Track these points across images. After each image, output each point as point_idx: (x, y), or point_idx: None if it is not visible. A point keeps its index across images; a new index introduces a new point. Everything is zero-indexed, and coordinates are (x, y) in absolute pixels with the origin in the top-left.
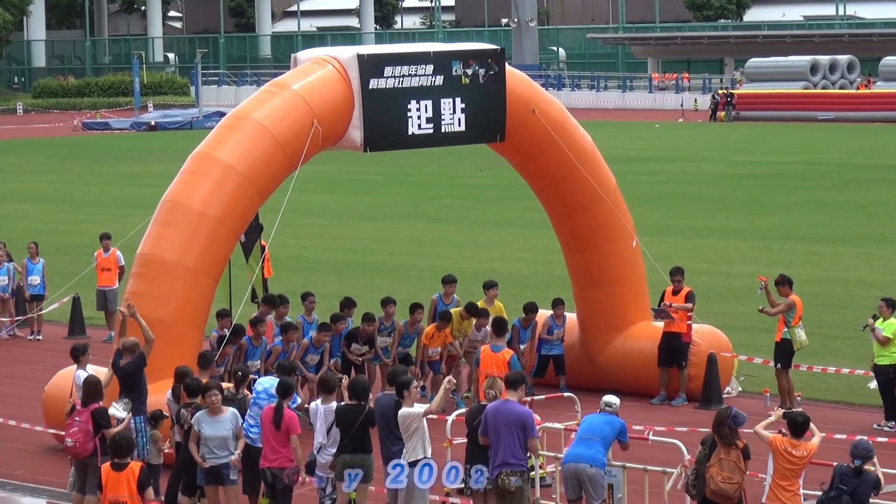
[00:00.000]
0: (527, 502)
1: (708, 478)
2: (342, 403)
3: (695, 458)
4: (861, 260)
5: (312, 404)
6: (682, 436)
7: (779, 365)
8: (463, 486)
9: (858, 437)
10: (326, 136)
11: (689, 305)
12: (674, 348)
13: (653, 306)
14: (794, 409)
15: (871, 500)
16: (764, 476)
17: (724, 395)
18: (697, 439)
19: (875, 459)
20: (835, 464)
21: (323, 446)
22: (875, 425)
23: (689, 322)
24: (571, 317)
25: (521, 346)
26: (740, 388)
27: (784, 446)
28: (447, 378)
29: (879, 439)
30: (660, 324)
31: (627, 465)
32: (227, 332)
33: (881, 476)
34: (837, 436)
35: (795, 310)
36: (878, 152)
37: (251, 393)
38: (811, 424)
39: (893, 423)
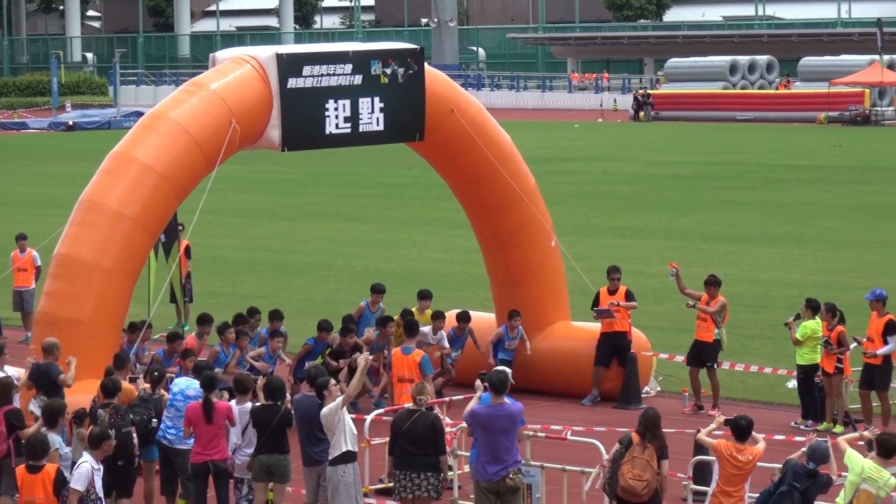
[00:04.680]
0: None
1: (619, 475)
2: (258, 404)
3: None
4: (779, 260)
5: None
6: (600, 435)
7: (710, 364)
8: (394, 492)
9: (817, 440)
10: (245, 136)
11: (635, 304)
12: (618, 347)
13: (594, 307)
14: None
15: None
16: (682, 476)
17: (643, 395)
18: (616, 439)
19: (832, 459)
20: (789, 458)
21: (238, 447)
22: (792, 423)
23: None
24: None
25: (454, 354)
26: (659, 388)
27: (730, 451)
28: (363, 356)
29: (797, 438)
30: (596, 324)
31: (546, 465)
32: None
33: (835, 477)
34: (758, 434)
35: (725, 310)
36: (793, 152)
37: (168, 393)
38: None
39: (811, 421)
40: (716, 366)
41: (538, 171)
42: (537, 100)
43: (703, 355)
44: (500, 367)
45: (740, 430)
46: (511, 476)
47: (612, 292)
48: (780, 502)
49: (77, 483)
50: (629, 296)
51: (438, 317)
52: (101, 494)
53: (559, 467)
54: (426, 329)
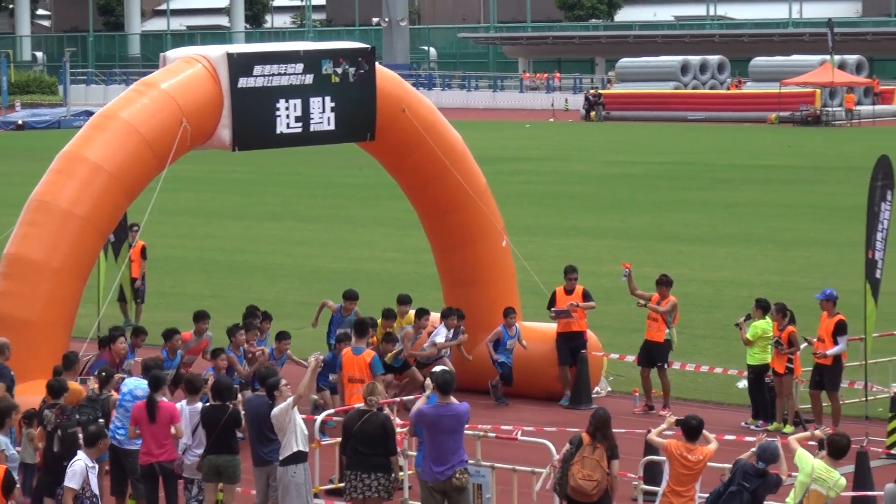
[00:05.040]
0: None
1: (569, 475)
2: (207, 404)
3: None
4: (729, 259)
5: (178, 405)
6: (551, 435)
7: (660, 364)
8: (345, 493)
9: (767, 440)
10: (195, 136)
11: (593, 304)
12: (576, 348)
13: (550, 307)
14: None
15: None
16: (633, 476)
17: (593, 395)
18: (566, 439)
19: (782, 459)
20: (739, 458)
21: (188, 447)
22: (742, 423)
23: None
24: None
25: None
26: (609, 388)
27: (680, 451)
28: (313, 355)
29: (747, 438)
30: (547, 324)
31: (496, 465)
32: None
33: (784, 476)
34: (710, 434)
35: (676, 310)
36: (744, 153)
37: (118, 394)
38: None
39: (761, 421)
40: (666, 366)
41: (489, 171)
42: (488, 99)
43: (653, 355)
44: (445, 368)
45: (691, 430)
46: (457, 476)
47: (568, 292)
48: (729, 502)
49: (71, 481)
50: (586, 295)
51: (423, 314)
52: (97, 492)
53: (510, 467)
54: (442, 329)
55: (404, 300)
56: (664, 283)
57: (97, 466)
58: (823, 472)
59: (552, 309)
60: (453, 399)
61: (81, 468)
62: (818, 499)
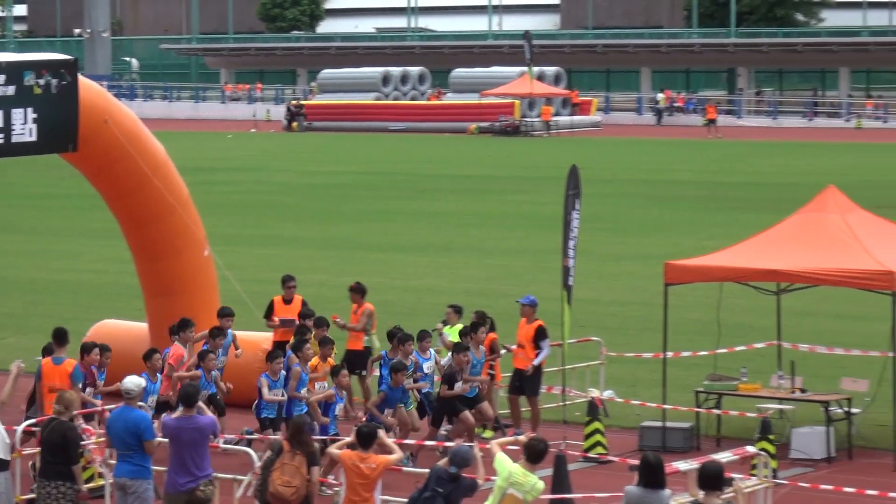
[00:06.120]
0: None
1: (269, 481)
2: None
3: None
4: (430, 268)
5: None
6: (254, 443)
7: (362, 373)
8: (37, 501)
9: (459, 445)
10: None
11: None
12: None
13: (267, 316)
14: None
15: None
16: (334, 481)
17: None
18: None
19: (479, 462)
20: (435, 464)
21: None
22: (443, 430)
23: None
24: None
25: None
26: None
27: (353, 461)
28: (15, 363)
29: (447, 444)
30: (247, 332)
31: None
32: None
33: (481, 481)
34: (393, 444)
35: (374, 318)
36: (444, 162)
37: None
38: (380, 434)
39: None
40: (365, 373)
41: (191, 182)
42: (191, 110)
43: (353, 363)
44: (191, 382)
45: (362, 437)
46: (201, 488)
47: (287, 301)
48: None
49: None
50: (305, 303)
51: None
52: None
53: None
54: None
55: (319, 323)
56: (357, 291)
57: None
58: (520, 477)
59: (268, 317)
60: (199, 411)
61: None
62: (514, 502)
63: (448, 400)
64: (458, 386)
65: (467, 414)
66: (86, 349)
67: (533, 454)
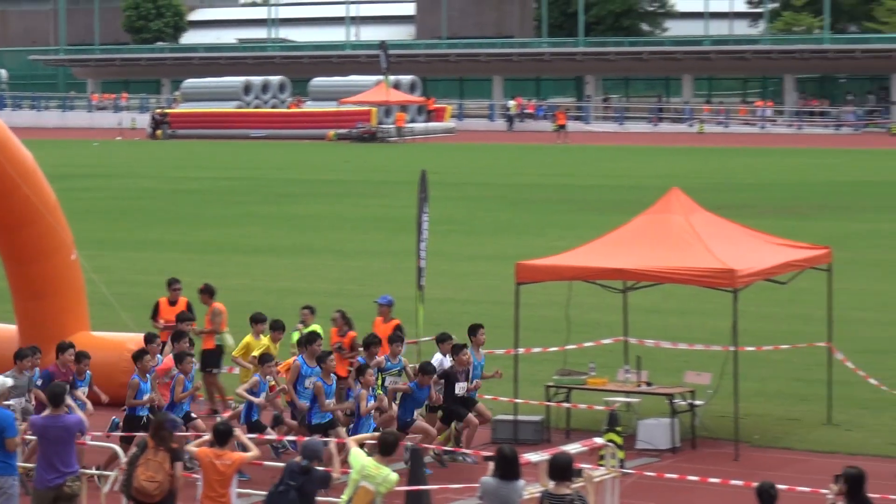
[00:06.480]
0: None
1: (134, 476)
2: None
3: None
4: (291, 270)
5: None
6: (117, 440)
7: (214, 370)
8: None
9: (308, 439)
10: None
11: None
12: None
13: (154, 318)
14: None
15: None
16: (198, 476)
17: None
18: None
19: (333, 454)
20: (291, 460)
21: None
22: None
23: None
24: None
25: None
26: None
27: (209, 458)
28: None
29: (305, 438)
30: (116, 333)
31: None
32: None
33: (336, 474)
34: (250, 442)
35: (223, 316)
36: (304, 168)
37: None
38: (235, 432)
39: None
40: (216, 370)
41: (59, 188)
42: (58, 119)
43: (209, 360)
44: (59, 382)
45: (218, 435)
46: (68, 484)
47: (172, 303)
48: (277, 501)
49: None
50: (190, 307)
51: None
52: None
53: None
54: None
55: (258, 318)
56: (206, 292)
57: None
58: (372, 469)
59: (160, 320)
60: (68, 409)
61: None
62: (366, 494)
63: (453, 404)
64: (459, 387)
65: (471, 417)
66: None
67: (385, 447)
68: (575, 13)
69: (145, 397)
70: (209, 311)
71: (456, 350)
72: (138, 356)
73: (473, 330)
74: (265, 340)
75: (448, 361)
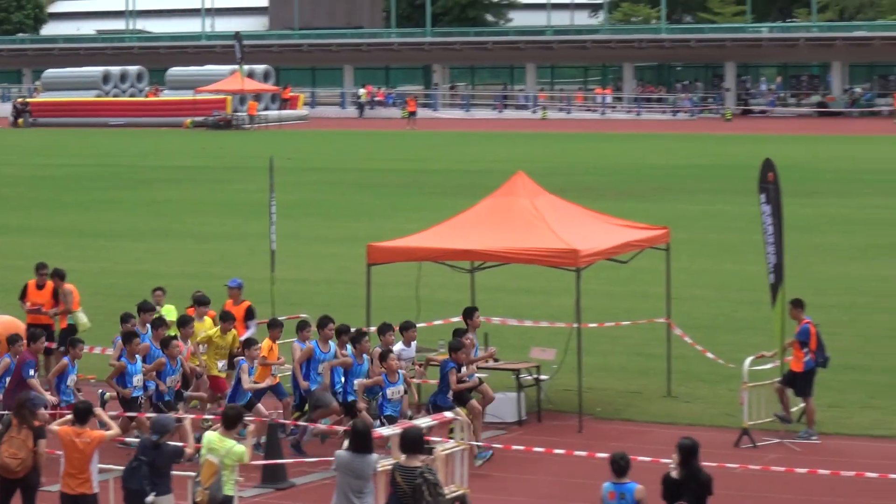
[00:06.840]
0: None
1: None
2: None
3: None
4: (150, 253)
5: None
6: None
7: (62, 348)
8: None
9: (157, 416)
10: None
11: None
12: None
13: (21, 299)
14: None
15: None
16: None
17: None
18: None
19: (187, 431)
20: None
21: None
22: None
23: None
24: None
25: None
26: None
27: (69, 436)
28: None
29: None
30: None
31: None
32: None
33: (189, 450)
34: (110, 420)
35: (72, 296)
36: (162, 155)
37: None
38: (95, 411)
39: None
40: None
41: None
42: None
43: (62, 340)
44: None
45: (78, 413)
46: None
47: (39, 287)
48: (131, 477)
49: None
50: (55, 294)
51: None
52: None
53: None
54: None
55: (201, 300)
56: (56, 275)
57: None
58: (217, 442)
59: (27, 301)
60: None
61: None
62: (210, 467)
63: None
64: (464, 370)
65: (474, 402)
66: None
67: (227, 421)
68: (423, 4)
69: (135, 379)
70: (60, 293)
71: (455, 336)
72: (128, 338)
73: (469, 313)
74: (208, 323)
75: (408, 351)
